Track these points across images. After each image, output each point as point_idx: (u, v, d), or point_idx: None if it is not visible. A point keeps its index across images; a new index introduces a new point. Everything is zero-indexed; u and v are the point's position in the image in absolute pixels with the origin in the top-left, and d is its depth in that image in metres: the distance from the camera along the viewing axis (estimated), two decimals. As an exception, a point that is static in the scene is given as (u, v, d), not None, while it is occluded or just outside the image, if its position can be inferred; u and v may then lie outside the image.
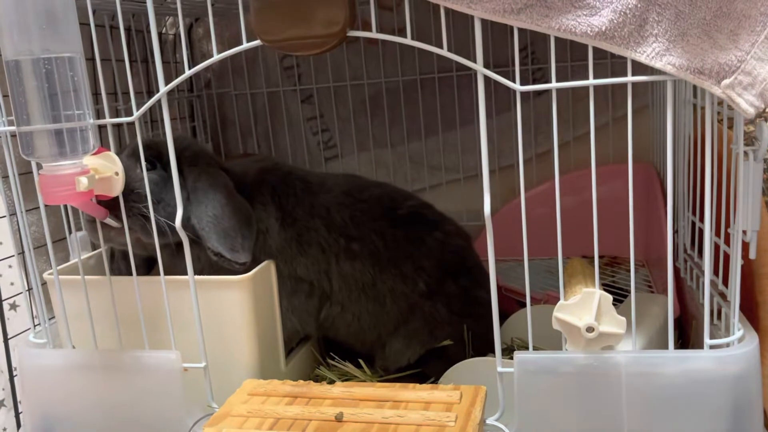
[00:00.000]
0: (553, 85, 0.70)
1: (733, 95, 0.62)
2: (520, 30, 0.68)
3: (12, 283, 1.02)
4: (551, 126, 0.70)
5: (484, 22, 0.69)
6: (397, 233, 1.03)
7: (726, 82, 0.63)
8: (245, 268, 0.90)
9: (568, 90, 1.39)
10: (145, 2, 0.75)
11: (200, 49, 1.49)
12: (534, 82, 1.39)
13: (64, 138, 0.71)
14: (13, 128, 0.74)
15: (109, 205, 0.84)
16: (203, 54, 1.49)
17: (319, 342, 1.11)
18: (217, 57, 0.76)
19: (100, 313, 0.88)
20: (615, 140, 1.37)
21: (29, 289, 0.94)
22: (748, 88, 0.62)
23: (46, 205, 0.87)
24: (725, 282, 0.79)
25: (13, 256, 0.99)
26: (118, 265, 0.98)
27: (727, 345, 0.73)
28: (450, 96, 1.44)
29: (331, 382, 0.95)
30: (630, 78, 0.68)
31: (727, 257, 0.77)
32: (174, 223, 0.82)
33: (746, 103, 0.62)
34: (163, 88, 0.78)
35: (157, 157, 0.91)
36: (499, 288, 1.17)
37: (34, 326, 0.95)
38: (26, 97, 0.69)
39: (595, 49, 0.67)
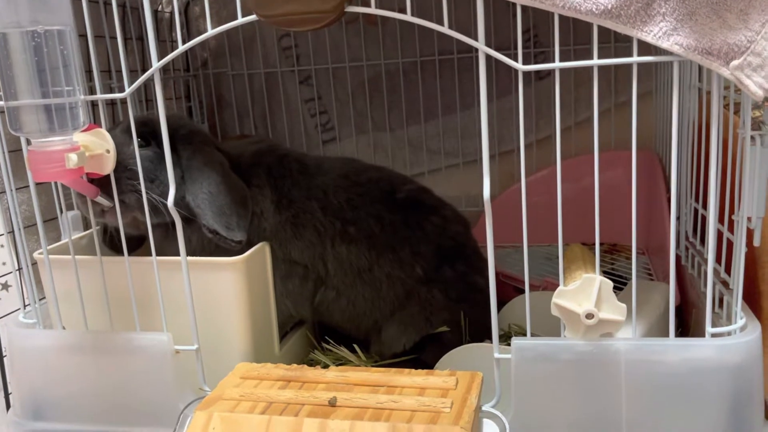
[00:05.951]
0: (556, 65, 0.68)
1: (741, 77, 0.60)
2: (523, 12, 0.66)
3: (3, 263, 1.01)
4: (552, 110, 0.69)
5: (486, 1, 0.67)
6: (394, 217, 1.01)
7: (735, 63, 0.61)
8: (240, 249, 0.89)
9: (571, 74, 1.37)
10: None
11: (197, 27, 1.47)
12: (536, 66, 1.37)
13: (52, 113, 0.69)
14: (0, 103, 0.72)
15: (101, 183, 0.82)
16: (200, 33, 1.45)
17: (315, 326, 1.10)
18: (211, 32, 0.75)
19: (90, 293, 0.86)
20: (617, 126, 1.35)
21: (19, 269, 0.93)
22: (758, 69, 0.60)
23: (37, 184, 0.85)
24: (728, 270, 0.78)
25: (3, 234, 0.98)
26: (111, 239, 0.97)
27: (729, 333, 0.72)
28: (450, 79, 1.42)
29: (326, 366, 0.94)
30: (635, 58, 0.66)
31: (730, 245, 0.76)
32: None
33: (755, 85, 0.60)
34: (156, 64, 0.76)
35: (152, 134, 0.89)
36: (497, 274, 1.17)
37: (24, 306, 0.94)
38: (13, 71, 0.67)
39: (599, 31, 0.65)
